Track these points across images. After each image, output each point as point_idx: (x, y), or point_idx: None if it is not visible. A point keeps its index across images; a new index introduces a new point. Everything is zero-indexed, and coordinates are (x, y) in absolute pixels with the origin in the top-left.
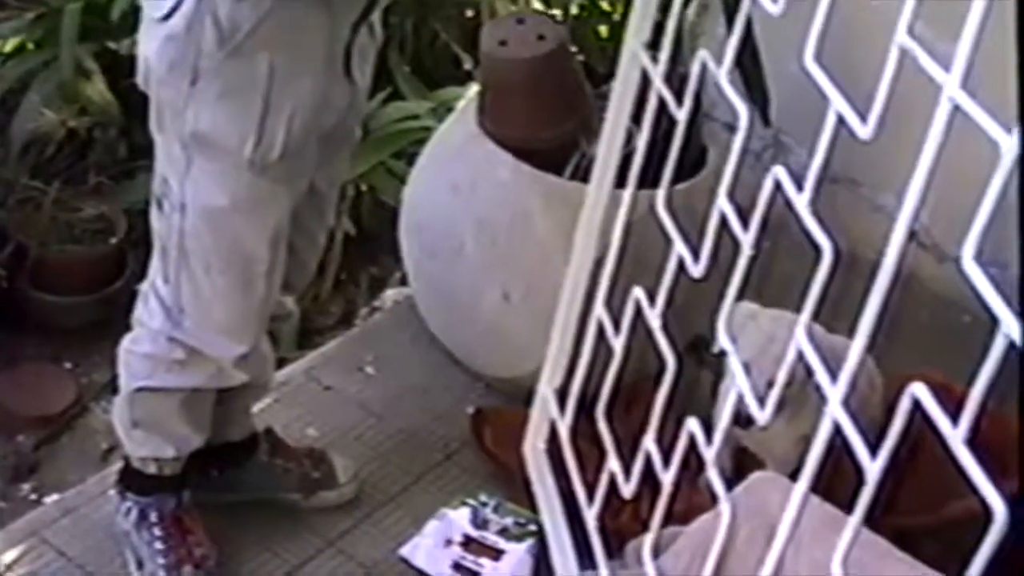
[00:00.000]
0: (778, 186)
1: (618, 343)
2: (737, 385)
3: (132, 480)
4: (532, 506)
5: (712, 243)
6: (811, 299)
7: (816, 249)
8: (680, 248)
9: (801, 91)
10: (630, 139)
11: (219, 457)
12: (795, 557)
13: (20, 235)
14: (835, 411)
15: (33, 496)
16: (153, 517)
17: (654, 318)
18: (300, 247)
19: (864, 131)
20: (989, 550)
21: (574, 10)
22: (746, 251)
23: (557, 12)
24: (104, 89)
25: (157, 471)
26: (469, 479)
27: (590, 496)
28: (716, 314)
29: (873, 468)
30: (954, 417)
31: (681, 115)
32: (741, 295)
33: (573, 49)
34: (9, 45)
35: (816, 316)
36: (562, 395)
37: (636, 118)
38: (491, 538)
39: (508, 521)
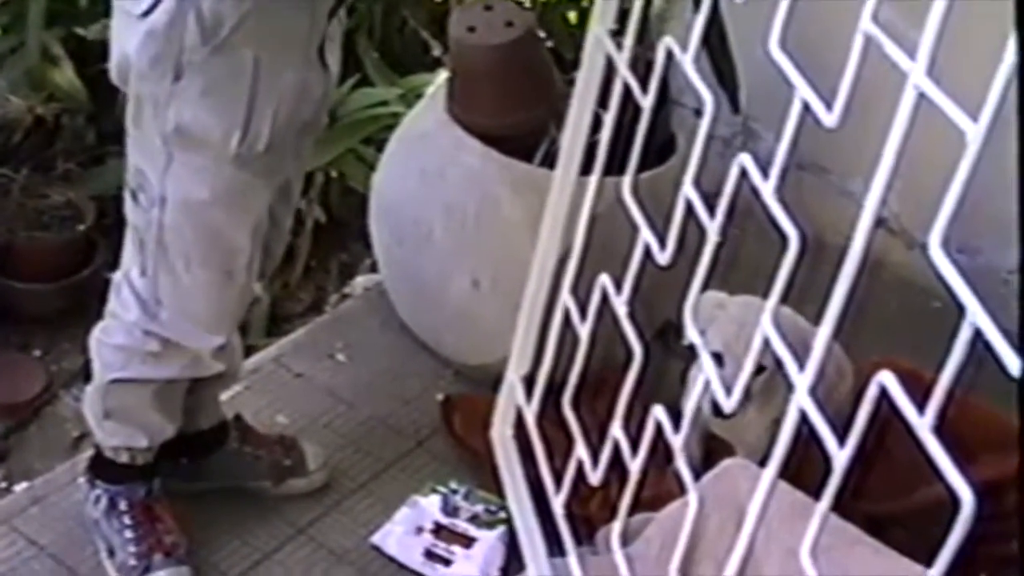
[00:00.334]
0: (744, 173)
1: (584, 331)
2: (706, 374)
3: (102, 468)
4: (502, 493)
5: (678, 231)
6: (778, 287)
7: (783, 236)
8: (647, 235)
9: (771, 78)
10: (600, 126)
11: (189, 445)
12: (765, 544)
13: None
14: (802, 399)
15: (2, 484)
16: (123, 505)
17: (621, 305)
18: (271, 236)
19: (829, 118)
20: (957, 539)
21: None
22: (712, 238)
23: None
24: (72, 75)
25: (129, 460)
26: (439, 466)
27: (557, 483)
28: (683, 300)
29: (841, 456)
30: (921, 405)
31: (646, 102)
32: (708, 282)
33: (542, 35)
34: None
35: (783, 303)
36: (529, 382)
37: (605, 104)
38: (462, 525)
39: (479, 508)
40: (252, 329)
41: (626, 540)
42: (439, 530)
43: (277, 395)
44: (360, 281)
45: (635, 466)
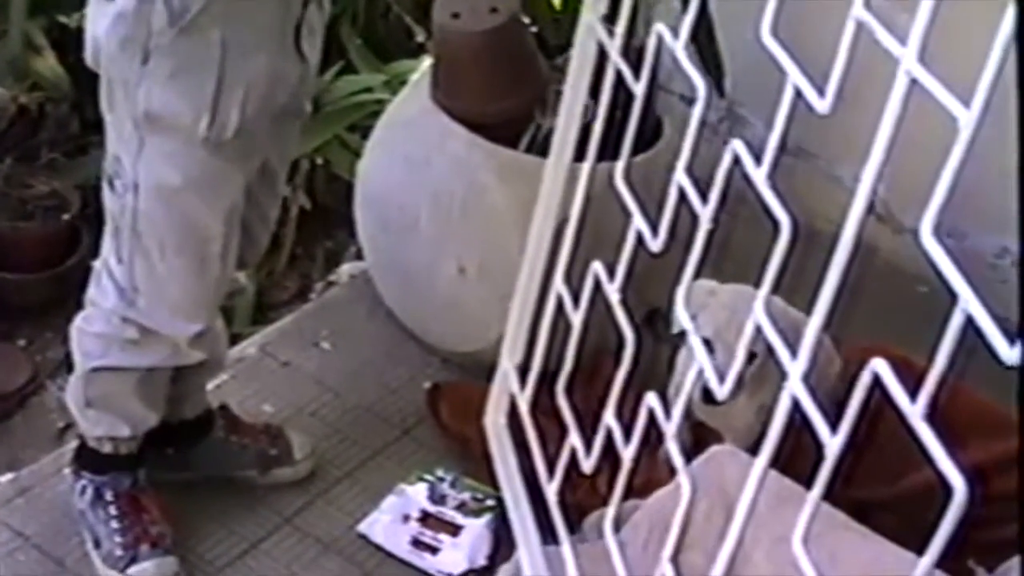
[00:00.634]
0: (736, 160)
1: (577, 318)
2: (698, 362)
3: (87, 459)
4: (490, 481)
5: (670, 217)
6: (770, 274)
7: (774, 223)
8: (639, 223)
9: (756, 63)
10: (584, 112)
11: (175, 435)
12: (752, 531)
13: None
14: (795, 387)
15: None
16: (108, 496)
17: (613, 293)
18: (252, 223)
19: (822, 105)
20: (950, 526)
21: None
22: (704, 225)
23: None
24: (55, 64)
25: (113, 450)
26: (426, 454)
27: (550, 471)
28: (674, 287)
29: (833, 444)
30: (913, 393)
31: (639, 89)
32: (700, 269)
33: (526, 21)
34: None
35: (775, 290)
36: (522, 370)
37: (591, 91)
38: (449, 513)
39: (466, 496)
40: (237, 317)
41: (615, 527)
42: (426, 518)
43: (263, 384)
44: (346, 269)
45: (628, 454)
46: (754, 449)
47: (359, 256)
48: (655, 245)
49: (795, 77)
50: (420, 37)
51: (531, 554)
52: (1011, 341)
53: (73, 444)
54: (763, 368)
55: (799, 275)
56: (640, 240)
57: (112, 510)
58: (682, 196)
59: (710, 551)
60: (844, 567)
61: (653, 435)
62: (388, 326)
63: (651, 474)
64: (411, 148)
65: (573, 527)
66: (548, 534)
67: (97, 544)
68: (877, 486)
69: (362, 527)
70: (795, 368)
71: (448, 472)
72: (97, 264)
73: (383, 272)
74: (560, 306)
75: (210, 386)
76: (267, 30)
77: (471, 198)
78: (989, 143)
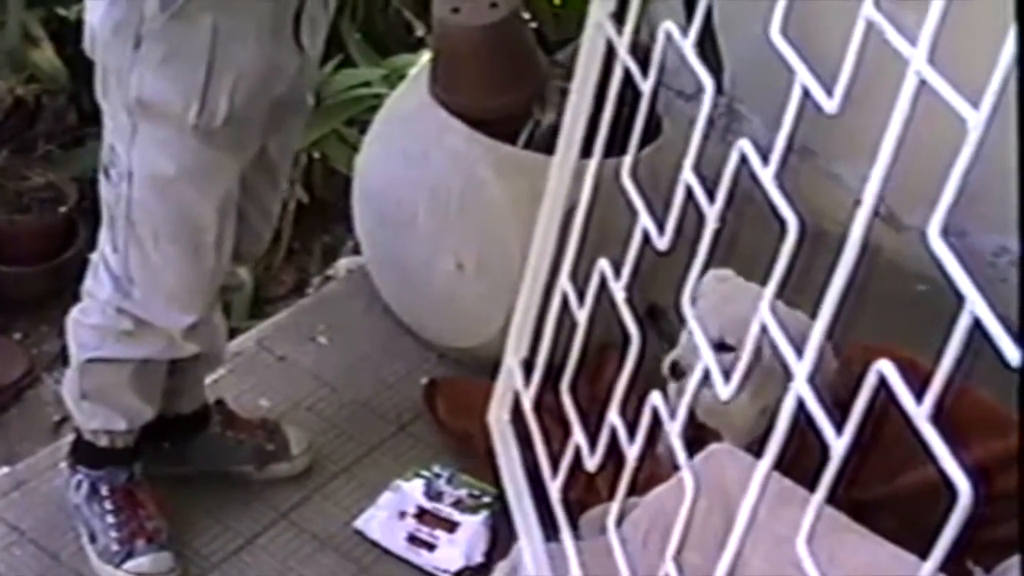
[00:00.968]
0: (744, 159)
1: (582, 315)
2: (704, 361)
3: (83, 453)
4: (487, 477)
5: (677, 215)
6: (776, 275)
7: (781, 222)
8: (646, 221)
9: (755, 59)
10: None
11: (171, 429)
12: (752, 532)
13: None
14: (800, 388)
15: None
16: (104, 490)
17: (619, 291)
18: (253, 217)
19: (830, 105)
20: (954, 529)
21: None
22: (711, 224)
23: None
24: (52, 56)
25: (109, 444)
26: (423, 450)
27: (553, 468)
28: (677, 283)
29: (839, 445)
30: (918, 394)
31: (647, 86)
32: (706, 268)
33: (526, 16)
34: None
35: (780, 291)
36: (527, 366)
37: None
38: (445, 510)
39: (462, 492)
40: (234, 312)
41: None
42: (422, 515)
43: (260, 378)
44: (343, 263)
45: (632, 452)
46: (754, 448)
47: (356, 251)
48: (661, 243)
49: (804, 77)
50: (419, 31)
51: (534, 551)
52: (1020, 345)
53: (69, 438)
54: (766, 369)
55: (804, 275)
56: (646, 238)
57: (108, 505)
58: (688, 194)
59: (707, 550)
60: (843, 568)
61: (653, 432)
62: (385, 321)
63: (649, 471)
64: (409, 143)
65: (574, 524)
66: (548, 531)
67: (93, 539)
68: (875, 486)
69: (358, 523)
70: (800, 368)
71: (445, 468)
72: (95, 256)
73: (380, 267)
74: (565, 303)
75: (207, 381)
76: (261, 19)
77: (469, 193)
78: (989, 142)
